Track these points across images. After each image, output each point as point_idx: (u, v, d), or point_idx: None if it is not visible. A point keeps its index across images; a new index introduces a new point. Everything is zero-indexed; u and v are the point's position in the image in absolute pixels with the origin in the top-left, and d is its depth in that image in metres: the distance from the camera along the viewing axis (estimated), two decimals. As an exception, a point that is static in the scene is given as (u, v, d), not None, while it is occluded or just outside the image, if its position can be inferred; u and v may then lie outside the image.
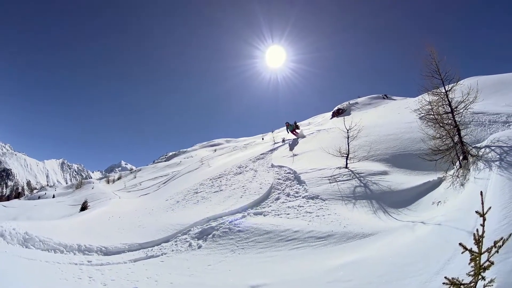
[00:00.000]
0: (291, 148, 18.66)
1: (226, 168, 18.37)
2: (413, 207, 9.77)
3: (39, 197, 41.60)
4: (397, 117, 19.18)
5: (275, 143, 22.23)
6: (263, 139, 31.44)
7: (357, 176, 12.11)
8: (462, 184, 9.04)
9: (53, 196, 38.77)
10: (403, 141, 14.26)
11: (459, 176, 9.61)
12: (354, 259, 6.55)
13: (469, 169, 9.26)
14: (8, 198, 66.43)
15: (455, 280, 3.56)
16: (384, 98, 32.45)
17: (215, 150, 40.40)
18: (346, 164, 13.19)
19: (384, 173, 12.14)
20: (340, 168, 12.94)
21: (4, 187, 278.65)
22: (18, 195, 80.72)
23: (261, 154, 18.87)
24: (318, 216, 9.60)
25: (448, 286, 3.59)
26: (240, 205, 11.58)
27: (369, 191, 10.97)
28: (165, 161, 59.89)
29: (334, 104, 38.40)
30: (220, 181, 16.19)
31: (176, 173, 28.03)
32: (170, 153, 75.08)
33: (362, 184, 11.47)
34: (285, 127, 23.83)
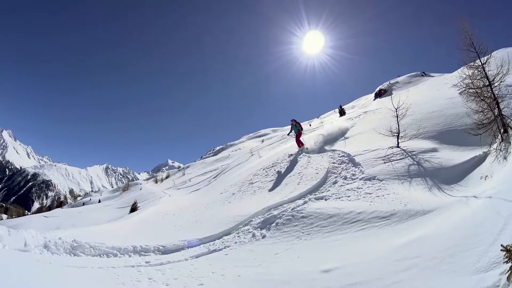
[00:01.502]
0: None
1: (278, 157, 18.29)
2: (464, 183, 10.23)
3: (83, 204, 42.78)
4: (438, 94, 18.89)
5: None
6: (310, 125, 31.04)
7: (409, 154, 12.42)
8: (505, 157, 9.54)
9: (99, 201, 39.69)
10: (447, 117, 14.39)
11: (501, 149, 10.06)
12: (417, 236, 6.89)
13: (510, 142, 9.78)
14: (50, 209, 66.03)
15: (509, 247, 4.32)
16: (422, 75, 32.13)
17: (262, 141, 40.71)
18: (398, 143, 13.46)
19: (434, 150, 12.46)
20: (392, 147, 13.21)
21: (45, 198, 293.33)
22: (60, 204, 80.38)
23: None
24: (378, 196, 9.90)
25: (504, 252, 4.40)
26: (299, 192, 11.61)
27: (422, 168, 11.34)
28: (213, 155, 60.84)
29: (374, 85, 38.20)
30: (274, 170, 16.02)
31: (226, 167, 28.07)
32: (218, 148, 76.77)
33: (415, 162, 11.80)
34: (331, 114, 21.51)
